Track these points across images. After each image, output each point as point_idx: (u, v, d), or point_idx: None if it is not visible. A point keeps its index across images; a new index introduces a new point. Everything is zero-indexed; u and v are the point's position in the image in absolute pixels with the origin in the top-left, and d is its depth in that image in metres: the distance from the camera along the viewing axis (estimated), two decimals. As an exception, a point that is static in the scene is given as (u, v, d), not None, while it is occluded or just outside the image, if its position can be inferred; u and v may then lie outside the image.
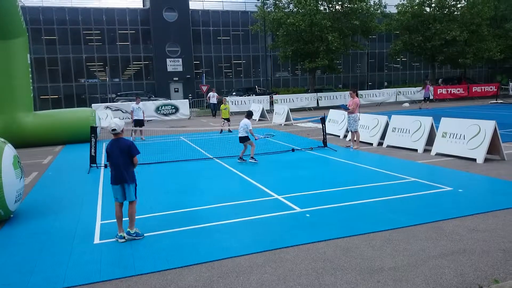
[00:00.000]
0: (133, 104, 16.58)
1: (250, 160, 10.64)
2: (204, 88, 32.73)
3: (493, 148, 9.73)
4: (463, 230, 5.38)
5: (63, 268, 4.68)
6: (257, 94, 34.60)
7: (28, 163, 11.54)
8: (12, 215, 6.62)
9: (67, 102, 39.69)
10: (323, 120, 13.09)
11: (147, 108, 25.50)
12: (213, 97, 27.33)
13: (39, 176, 10.08)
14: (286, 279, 4.23)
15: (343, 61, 45.62)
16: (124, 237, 5.36)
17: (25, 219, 6.58)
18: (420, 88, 30.35)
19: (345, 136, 14.58)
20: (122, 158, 5.38)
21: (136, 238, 5.39)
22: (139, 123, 16.13)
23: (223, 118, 18.48)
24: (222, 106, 18.80)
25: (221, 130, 17.95)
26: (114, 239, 5.43)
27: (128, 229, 5.39)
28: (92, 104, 26.11)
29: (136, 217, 5.50)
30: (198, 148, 13.59)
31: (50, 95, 40.29)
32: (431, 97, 30.35)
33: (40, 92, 38.69)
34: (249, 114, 11.10)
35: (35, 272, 4.60)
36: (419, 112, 22.67)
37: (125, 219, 5.50)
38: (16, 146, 7.83)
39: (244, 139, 10.79)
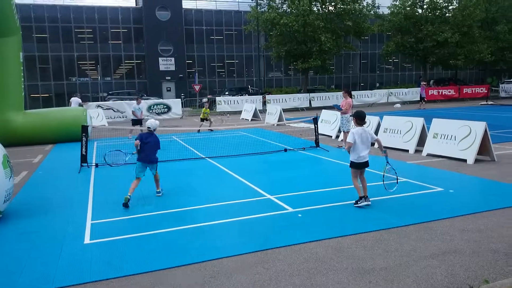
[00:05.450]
0: (134, 105, 16.88)
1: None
2: (197, 88, 32.59)
3: (484, 149, 9.81)
4: (453, 230, 5.41)
5: (53, 268, 4.63)
6: (249, 94, 34.56)
7: (18, 162, 11.41)
8: (1, 215, 6.53)
9: (58, 100, 39.36)
10: (315, 121, 13.11)
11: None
12: (75, 104, 22.30)
13: (29, 175, 9.96)
14: (278, 279, 4.22)
15: (336, 62, 45.76)
16: (129, 198, 6.85)
17: (14, 219, 6.49)
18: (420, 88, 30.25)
19: (337, 137, 14.62)
20: (154, 147, 7.37)
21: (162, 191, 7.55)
22: (138, 122, 16.43)
23: (202, 119, 18.81)
24: (203, 110, 18.90)
25: (199, 130, 18.36)
26: (105, 239, 5.37)
27: (157, 190, 7.58)
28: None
29: (125, 217, 5.45)
30: (190, 148, 13.54)
31: (41, 93, 39.94)
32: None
33: (30, 90, 38.29)
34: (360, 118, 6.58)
35: (24, 272, 4.54)
36: (411, 112, 22.80)
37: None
38: (6, 145, 7.74)
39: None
